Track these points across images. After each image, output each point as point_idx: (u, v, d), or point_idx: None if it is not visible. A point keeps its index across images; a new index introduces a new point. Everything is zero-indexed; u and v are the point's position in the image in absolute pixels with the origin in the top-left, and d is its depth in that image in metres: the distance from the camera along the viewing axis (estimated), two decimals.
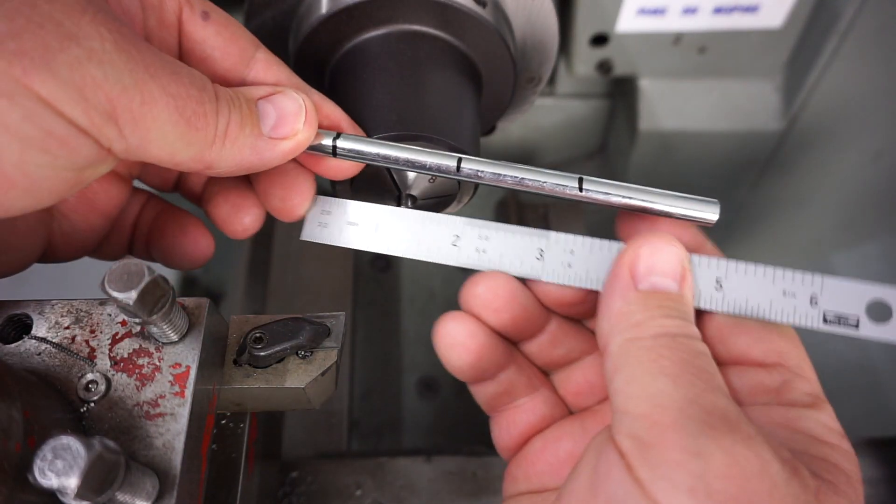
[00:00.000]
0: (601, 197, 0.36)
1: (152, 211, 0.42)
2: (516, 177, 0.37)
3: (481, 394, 0.39)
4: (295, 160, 0.37)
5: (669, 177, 0.83)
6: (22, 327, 0.34)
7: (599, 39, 0.69)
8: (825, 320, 0.33)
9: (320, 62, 0.46)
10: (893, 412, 0.90)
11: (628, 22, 0.67)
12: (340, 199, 0.39)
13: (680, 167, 0.81)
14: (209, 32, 0.35)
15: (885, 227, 0.93)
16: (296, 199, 0.38)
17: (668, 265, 0.32)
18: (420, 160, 0.37)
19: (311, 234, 0.39)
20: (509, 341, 0.38)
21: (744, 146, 0.78)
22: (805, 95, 0.73)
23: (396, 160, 0.37)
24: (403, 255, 0.38)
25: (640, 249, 0.32)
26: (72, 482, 0.24)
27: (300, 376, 0.36)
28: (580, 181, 0.36)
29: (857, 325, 0.33)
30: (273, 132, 0.34)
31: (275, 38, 0.47)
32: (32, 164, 0.27)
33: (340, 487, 0.55)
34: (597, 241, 0.36)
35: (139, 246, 0.42)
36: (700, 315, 0.34)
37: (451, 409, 0.85)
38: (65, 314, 0.34)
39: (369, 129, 0.41)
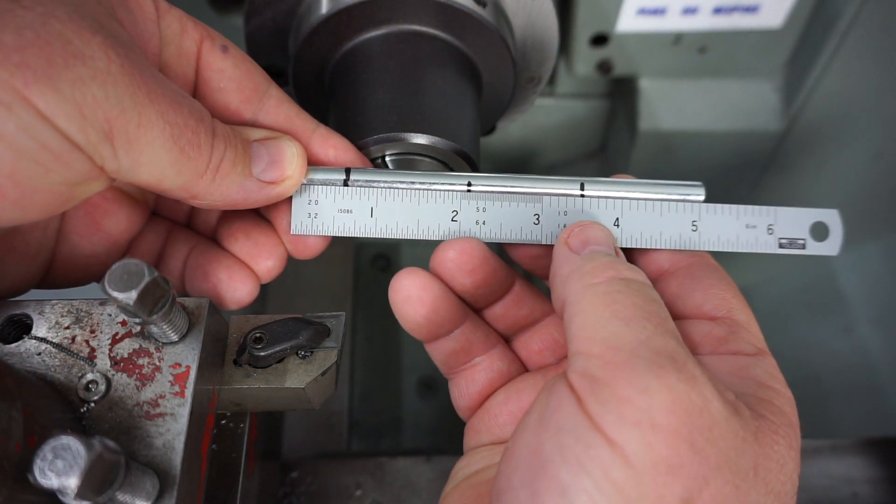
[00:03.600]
0: (601, 196, 0.38)
1: (183, 246, 0.40)
2: (524, 188, 0.38)
3: (438, 353, 0.40)
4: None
5: (669, 177, 0.83)
6: (22, 327, 0.34)
7: (599, 39, 0.69)
8: (780, 245, 0.38)
9: (320, 62, 0.46)
10: (893, 412, 0.90)
11: (628, 22, 0.67)
12: (329, 186, 0.38)
13: (680, 167, 0.81)
14: (227, 64, 0.36)
15: (886, 227, 0.93)
16: (310, 237, 0.39)
17: (600, 237, 0.34)
18: (430, 183, 0.38)
19: (300, 226, 0.38)
20: (476, 305, 0.39)
21: (744, 146, 0.78)
22: (805, 95, 0.73)
23: (410, 185, 0.38)
24: (404, 237, 0.38)
25: (572, 229, 0.35)
26: (72, 482, 0.24)
27: (300, 376, 0.36)
28: (581, 186, 0.38)
29: (804, 246, 0.38)
30: (262, 175, 0.35)
31: (275, 38, 0.47)
32: (25, 174, 0.27)
33: (340, 487, 0.55)
34: (587, 200, 0.38)
35: (174, 283, 0.40)
36: (660, 278, 0.37)
37: (451, 409, 0.85)
38: (65, 314, 0.34)
39: (369, 130, 0.41)
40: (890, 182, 0.84)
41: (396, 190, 0.38)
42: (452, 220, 0.38)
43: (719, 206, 0.38)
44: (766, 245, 0.38)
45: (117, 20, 0.31)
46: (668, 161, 0.80)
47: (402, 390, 0.86)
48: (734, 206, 0.38)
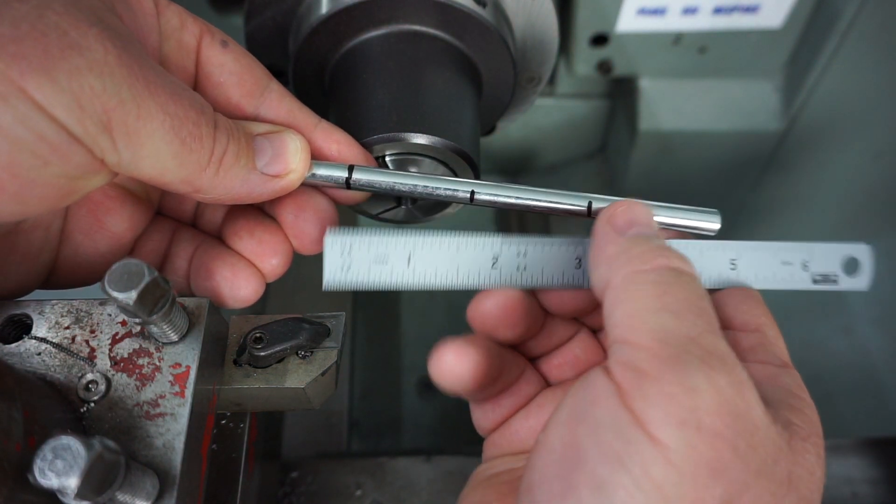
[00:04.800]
0: None
1: (188, 244, 0.40)
2: (528, 201, 0.38)
3: (470, 396, 0.38)
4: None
5: (669, 177, 0.83)
6: (22, 327, 0.34)
7: (599, 39, 0.69)
8: (814, 281, 0.37)
9: (320, 62, 0.46)
10: (893, 412, 0.90)
11: (628, 22, 0.67)
12: (362, 235, 0.35)
13: (680, 167, 0.81)
14: (227, 58, 0.36)
15: (886, 227, 0.92)
16: (317, 231, 0.38)
17: (645, 218, 0.33)
18: (434, 188, 0.38)
19: (333, 280, 0.35)
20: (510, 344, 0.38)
21: (744, 146, 0.78)
22: (805, 95, 0.73)
23: (413, 188, 0.38)
24: (443, 286, 0.36)
25: (616, 207, 0.33)
26: (72, 482, 0.24)
27: (300, 376, 0.36)
28: (589, 204, 0.37)
29: (836, 282, 0.37)
30: (266, 168, 0.35)
31: (275, 38, 0.47)
32: (23, 167, 0.27)
33: (340, 487, 0.55)
34: None
35: (179, 282, 0.40)
36: None
37: (451, 409, 0.85)
38: (65, 314, 0.34)
39: (369, 130, 0.41)
40: (890, 182, 0.84)
41: (434, 237, 0.36)
42: (493, 268, 0.36)
43: (757, 243, 0.37)
44: (801, 282, 0.37)
45: (116, 14, 0.30)
46: (668, 161, 0.80)
47: (402, 390, 0.86)
48: (771, 244, 0.37)
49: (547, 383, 0.40)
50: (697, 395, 0.25)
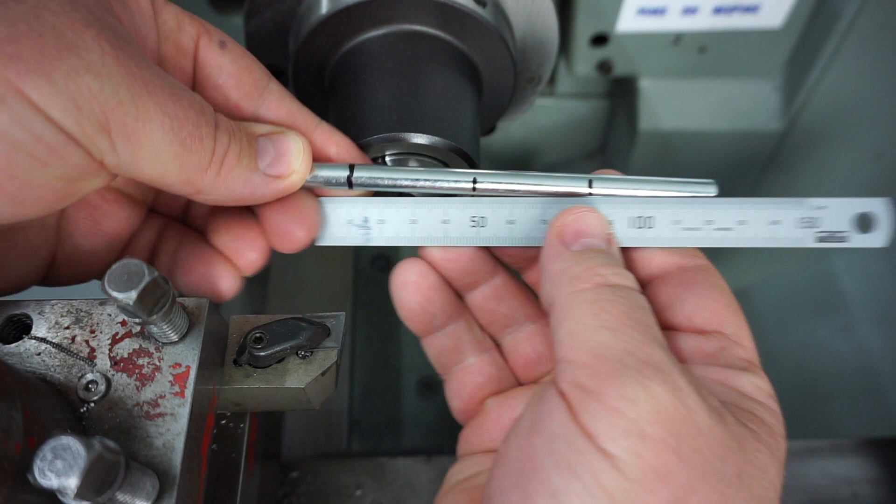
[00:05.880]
0: (610, 194, 0.37)
1: (173, 240, 0.40)
2: (529, 186, 0.38)
3: (433, 349, 0.41)
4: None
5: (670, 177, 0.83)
6: (22, 327, 0.34)
7: (599, 39, 0.69)
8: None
9: (320, 62, 0.46)
10: (893, 412, 0.90)
11: (628, 22, 0.67)
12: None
13: (680, 167, 0.81)
14: (225, 60, 0.36)
15: None
16: (297, 230, 0.38)
17: (595, 228, 0.34)
18: (436, 180, 0.38)
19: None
20: (458, 288, 0.41)
21: (744, 146, 0.78)
22: (805, 95, 0.73)
23: (415, 182, 0.38)
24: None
25: (566, 218, 0.34)
26: (72, 482, 0.24)
27: (300, 376, 0.36)
28: (590, 184, 0.37)
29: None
30: (269, 169, 0.35)
31: (275, 38, 0.47)
32: (20, 168, 0.27)
33: (340, 487, 0.55)
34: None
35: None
36: (650, 284, 0.36)
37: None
38: (65, 314, 0.34)
39: (369, 130, 0.41)
40: (890, 182, 0.84)
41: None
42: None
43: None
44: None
45: (114, 15, 0.30)
46: (668, 161, 0.80)
47: (402, 390, 0.86)
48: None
49: (519, 383, 0.42)
50: (637, 406, 0.27)
